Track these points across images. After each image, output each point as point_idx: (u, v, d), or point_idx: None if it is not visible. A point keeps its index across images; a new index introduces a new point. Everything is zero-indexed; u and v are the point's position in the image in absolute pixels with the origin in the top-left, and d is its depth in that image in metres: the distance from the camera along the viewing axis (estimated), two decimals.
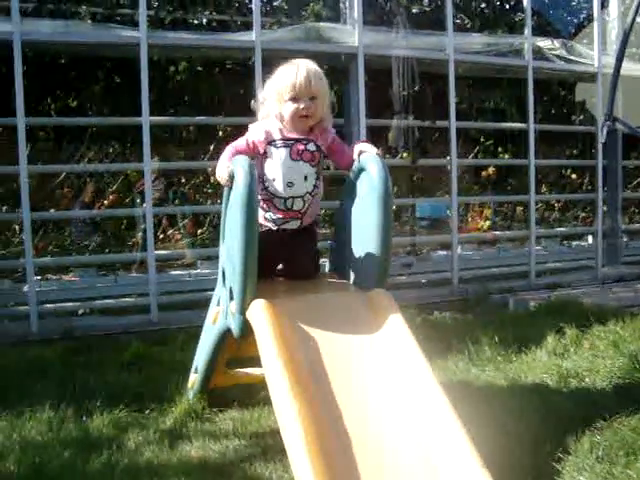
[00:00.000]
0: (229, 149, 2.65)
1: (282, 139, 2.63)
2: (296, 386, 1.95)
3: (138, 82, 4.51)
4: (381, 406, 2.03)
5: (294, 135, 2.64)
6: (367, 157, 2.51)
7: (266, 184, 2.64)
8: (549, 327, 4.08)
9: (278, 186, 2.61)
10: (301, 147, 2.63)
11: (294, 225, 2.69)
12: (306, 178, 2.63)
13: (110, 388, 3.22)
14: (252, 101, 2.86)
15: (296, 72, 2.61)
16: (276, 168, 2.62)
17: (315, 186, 2.66)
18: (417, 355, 2.10)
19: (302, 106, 2.59)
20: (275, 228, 2.69)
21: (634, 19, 5.41)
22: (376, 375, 2.10)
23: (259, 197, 2.58)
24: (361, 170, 2.51)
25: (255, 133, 2.67)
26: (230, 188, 2.48)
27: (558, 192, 7.80)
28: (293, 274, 2.72)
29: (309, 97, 2.60)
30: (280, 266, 2.77)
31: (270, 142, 2.63)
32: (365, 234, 2.41)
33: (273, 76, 2.70)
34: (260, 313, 2.19)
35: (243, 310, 2.29)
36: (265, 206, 2.66)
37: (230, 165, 2.45)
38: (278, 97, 2.63)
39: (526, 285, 5.80)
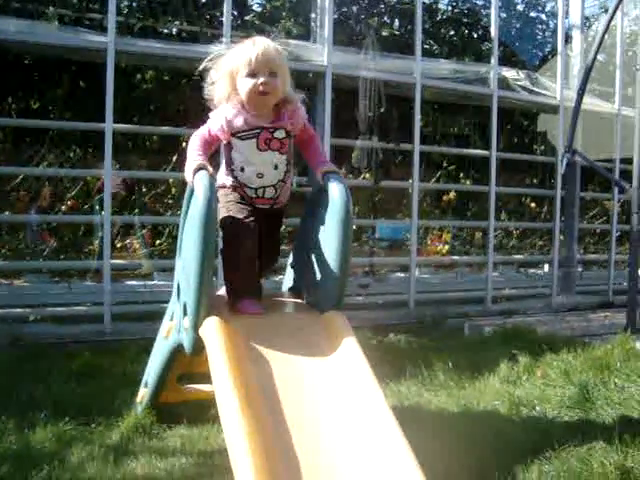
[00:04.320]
0: (194, 140, 2.45)
1: (247, 130, 2.43)
2: (246, 406, 1.92)
3: (103, 88, 4.45)
4: (331, 429, 2.00)
5: (260, 122, 2.43)
6: (330, 179, 2.44)
7: (235, 173, 2.50)
8: (502, 354, 4.12)
9: (248, 177, 2.48)
10: (268, 136, 2.44)
11: (266, 206, 2.54)
12: (276, 167, 2.48)
13: (57, 399, 3.13)
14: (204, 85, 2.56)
15: (252, 46, 2.40)
16: (244, 159, 2.46)
17: (286, 173, 2.52)
18: (369, 379, 2.08)
19: (261, 80, 2.36)
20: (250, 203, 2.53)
21: (595, 56, 5.55)
22: (327, 397, 2.08)
23: (230, 182, 2.51)
24: (323, 191, 2.47)
25: (215, 123, 2.45)
26: (189, 200, 2.42)
27: (517, 220, 7.93)
28: (262, 244, 2.53)
29: (268, 72, 2.38)
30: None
31: (234, 134, 2.44)
32: (323, 256, 2.39)
33: (227, 54, 2.48)
34: (213, 331, 2.16)
35: (196, 327, 2.25)
36: (236, 192, 2.52)
37: (190, 177, 2.33)
38: (232, 74, 2.41)
39: (482, 310, 5.87)
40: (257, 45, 2.40)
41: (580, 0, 6.93)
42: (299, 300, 2.61)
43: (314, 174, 2.59)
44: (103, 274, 4.57)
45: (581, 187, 6.83)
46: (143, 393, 2.96)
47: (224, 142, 2.49)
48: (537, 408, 3.25)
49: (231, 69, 2.43)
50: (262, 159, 2.46)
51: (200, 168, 2.32)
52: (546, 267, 7.18)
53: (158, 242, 6.23)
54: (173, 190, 6.33)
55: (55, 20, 5.17)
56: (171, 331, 2.59)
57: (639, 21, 5.31)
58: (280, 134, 2.48)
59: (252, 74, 2.38)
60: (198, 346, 2.28)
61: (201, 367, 2.45)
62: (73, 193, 6.17)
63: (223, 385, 1.98)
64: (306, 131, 2.59)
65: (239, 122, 2.44)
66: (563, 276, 6.66)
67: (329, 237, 2.38)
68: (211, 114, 2.51)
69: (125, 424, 2.89)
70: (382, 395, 2.05)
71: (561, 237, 6.66)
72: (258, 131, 2.45)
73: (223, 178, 2.57)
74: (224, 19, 4.83)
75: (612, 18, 5.63)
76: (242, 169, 2.48)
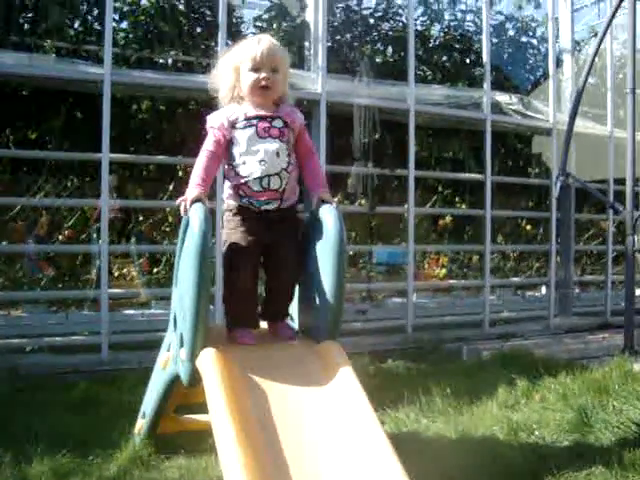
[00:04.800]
0: (200, 159, 2.51)
1: (245, 119, 2.51)
2: (243, 437, 1.92)
3: (100, 118, 4.49)
4: (329, 459, 2.01)
5: (259, 113, 2.52)
6: (325, 209, 2.47)
7: (237, 169, 2.51)
8: (501, 378, 4.12)
9: (250, 167, 2.48)
10: (266, 125, 2.51)
11: (274, 205, 2.52)
12: (278, 154, 2.50)
13: (54, 431, 3.12)
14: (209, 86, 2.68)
15: (257, 44, 2.52)
16: (245, 149, 2.50)
17: (289, 162, 2.53)
18: (366, 409, 2.09)
19: (263, 75, 2.49)
20: (256, 210, 2.52)
21: (586, 80, 5.62)
22: (324, 428, 2.08)
23: (233, 204, 2.52)
24: (318, 220, 2.49)
25: (217, 120, 2.53)
26: (184, 231, 2.44)
27: (513, 242, 7.95)
28: (277, 267, 2.56)
29: (271, 68, 2.51)
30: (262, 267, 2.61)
31: (233, 125, 2.50)
32: (319, 286, 2.40)
33: (231, 50, 2.60)
34: (210, 362, 2.17)
35: (193, 358, 2.26)
36: (241, 192, 2.52)
37: (185, 209, 2.38)
38: (236, 68, 2.53)
39: (479, 334, 5.87)
40: (262, 42, 2.54)
41: (570, 25, 7.03)
42: (294, 328, 2.62)
43: (310, 196, 2.63)
44: (100, 303, 4.57)
45: (576, 209, 6.86)
46: (141, 424, 2.96)
47: (227, 138, 2.51)
48: (536, 433, 3.24)
49: (236, 63, 2.55)
50: (263, 146, 2.50)
51: (196, 200, 2.37)
52: (543, 289, 7.19)
53: (155, 270, 6.24)
54: (170, 218, 6.36)
55: (52, 53, 5.25)
56: (168, 362, 2.60)
57: (628, 45, 5.39)
58: (278, 123, 2.54)
59: (255, 69, 2.51)
60: (195, 378, 2.29)
61: (199, 397, 2.44)
62: (70, 223, 6.20)
63: (220, 417, 1.99)
64: (305, 142, 2.64)
65: (239, 114, 2.53)
66: (560, 298, 6.67)
67: (324, 268, 2.39)
68: (210, 115, 2.59)
69: (123, 455, 2.88)
70: (379, 425, 2.05)
71: (557, 259, 6.68)
72: (256, 120, 2.52)
73: (227, 197, 2.60)
74: (219, 49, 4.89)
75: (602, 42, 5.72)
76: (244, 162, 2.50)
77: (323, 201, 2.52)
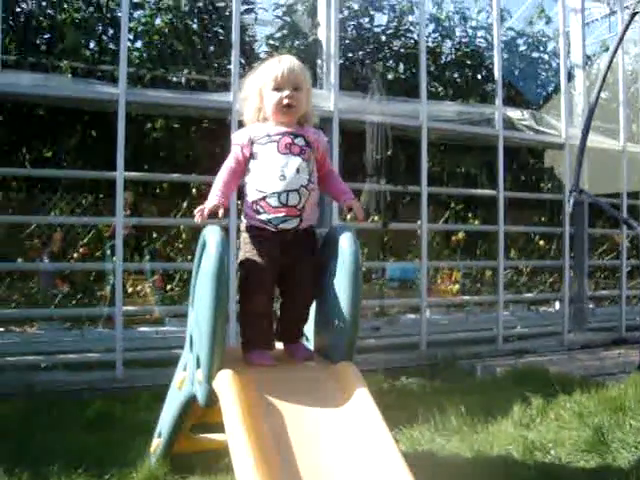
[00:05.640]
0: (220, 173, 2.56)
1: (267, 135, 2.54)
2: (260, 459, 1.93)
3: (115, 136, 4.54)
4: None
5: (282, 130, 2.55)
6: (340, 230, 2.50)
7: (256, 184, 2.52)
8: (515, 396, 4.09)
9: (270, 181, 2.49)
10: (288, 140, 2.53)
11: (293, 224, 2.51)
12: (298, 171, 2.50)
13: (70, 450, 3.13)
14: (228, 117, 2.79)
15: (279, 63, 2.57)
16: (265, 164, 2.51)
17: (309, 180, 2.53)
18: (382, 430, 2.09)
19: (285, 94, 2.53)
20: (273, 229, 2.51)
21: (598, 95, 5.62)
22: (340, 449, 2.09)
23: (251, 222, 2.54)
24: (334, 241, 2.49)
25: (239, 138, 2.59)
26: (201, 253, 2.46)
27: (527, 257, 7.92)
28: (293, 289, 2.57)
29: (293, 87, 2.54)
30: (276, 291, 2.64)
31: (254, 141, 2.54)
32: (334, 307, 2.42)
33: (254, 71, 2.65)
34: (226, 384, 2.18)
35: (210, 379, 2.27)
36: (259, 208, 2.51)
37: (205, 216, 2.44)
38: (260, 89, 2.58)
39: (493, 350, 5.84)
40: (283, 62, 2.59)
41: (581, 39, 7.04)
42: (310, 349, 2.63)
43: (337, 200, 2.72)
44: (115, 321, 4.60)
45: (590, 223, 6.84)
46: (157, 443, 2.96)
47: (247, 155, 2.55)
48: (552, 452, 3.22)
49: (259, 84, 2.59)
50: (283, 162, 2.51)
51: (214, 210, 2.45)
52: (557, 304, 7.16)
53: (169, 287, 6.27)
54: (184, 235, 6.39)
55: (69, 73, 5.32)
56: (184, 382, 2.61)
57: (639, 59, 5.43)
58: (300, 141, 2.56)
59: (278, 88, 2.55)
60: (212, 399, 2.30)
61: (214, 417, 2.45)
62: (85, 240, 6.25)
63: (237, 439, 2.00)
64: (327, 164, 2.69)
65: (261, 132, 2.57)
66: (574, 313, 6.63)
67: (340, 289, 2.40)
68: (235, 133, 2.66)
69: (139, 475, 2.88)
70: (395, 446, 2.05)
71: (571, 274, 6.65)
72: (279, 137, 2.55)
73: (245, 216, 2.62)
74: (232, 67, 4.94)
75: (614, 56, 5.72)
76: (264, 177, 2.52)
77: (337, 226, 2.58)
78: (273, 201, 2.50)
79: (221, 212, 2.48)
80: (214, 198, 2.50)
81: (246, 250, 2.56)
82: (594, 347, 6.28)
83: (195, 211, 2.50)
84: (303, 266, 2.56)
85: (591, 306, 7.33)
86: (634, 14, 5.29)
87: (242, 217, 2.66)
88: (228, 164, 2.58)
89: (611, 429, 3.38)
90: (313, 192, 2.56)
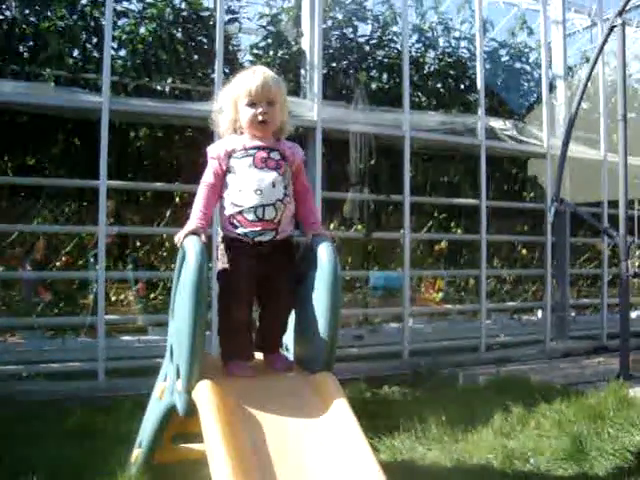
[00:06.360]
0: (200, 191, 2.54)
1: (243, 149, 2.54)
2: (238, 469, 1.94)
3: (98, 145, 4.54)
4: None
5: (255, 143, 2.56)
6: (319, 241, 2.50)
7: (233, 198, 2.52)
8: (497, 404, 4.12)
9: (246, 196, 2.49)
10: (264, 154, 2.54)
11: (269, 236, 2.52)
12: (274, 185, 2.51)
13: (51, 460, 3.11)
14: (209, 119, 2.74)
15: (252, 77, 2.55)
16: (241, 178, 2.52)
17: (285, 194, 2.54)
18: (360, 441, 2.10)
19: (259, 110, 2.52)
20: (250, 242, 2.52)
21: (579, 105, 5.69)
22: (319, 459, 2.10)
23: (228, 213, 2.53)
24: (313, 252, 2.51)
25: (215, 151, 2.57)
26: (181, 264, 2.47)
27: (509, 266, 7.98)
28: (270, 299, 2.58)
29: (267, 102, 2.54)
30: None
31: (230, 155, 2.54)
32: (313, 318, 2.43)
33: (230, 83, 2.64)
34: (205, 394, 2.19)
35: (189, 389, 2.28)
36: (235, 222, 2.52)
37: (182, 240, 2.42)
38: (235, 102, 2.57)
39: (476, 359, 5.88)
40: (256, 75, 2.57)
41: (562, 51, 7.14)
42: (289, 359, 2.64)
43: (305, 232, 2.66)
44: (97, 330, 4.58)
45: (571, 232, 6.90)
46: (137, 453, 2.96)
47: (223, 168, 2.54)
48: (531, 461, 3.25)
49: (234, 97, 2.58)
50: (259, 176, 2.52)
51: (193, 233, 2.41)
52: (539, 313, 7.21)
53: (152, 295, 6.25)
54: (167, 244, 6.38)
55: (52, 81, 5.30)
56: (164, 392, 2.61)
57: (617, 71, 5.47)
58: (275, 155, 2.58)
59: (252, 104, 2.54)
60: (191, 408, 2.31)
61: (195, 427, 2.44)
62: (68, 249, 6.22)
63: (215, 449, 2.01)
64: (302, 180, 2.68)
65: (237, 144, 2.56)
66: (556, 321, 6.69)
67: (318, 300, 2.42)
68: (210, 146, 2.63)
69: None
70: (373, 456, 2.07)
71: (553, 282, 6.71)
72: (254, 151, 2.55)
73: (221, 229, 2.61)
74: (216, 77, 4.97)
75: (594, 67, 5.80)
76: (240, 190, 2.52)
77: (316, 236, 2.56)
78: (249, 215, 2.51)
79: (203, 237, 2.44)
80: (194, 221, 2.48)
81: (223, 262, 2.57)
82: (576, 355, 6.35)
83: (175, 238, 2.47)
84: (281, 277, 2.58)
85: (573, 314, 7.40)
86: (612, 27, 5.36)
87: (218, 229, 2.66)
88: (207, 180, 2.57)
89: (590, 437, 3.42)
90: (289, 205, 2.57)
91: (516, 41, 7.80)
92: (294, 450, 2.12)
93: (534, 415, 3.97)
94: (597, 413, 3.85)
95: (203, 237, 2.44)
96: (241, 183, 2.52)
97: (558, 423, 3.75)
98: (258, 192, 2.50)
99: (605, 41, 5.71)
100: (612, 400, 4.12)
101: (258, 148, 2.56)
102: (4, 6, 5.54)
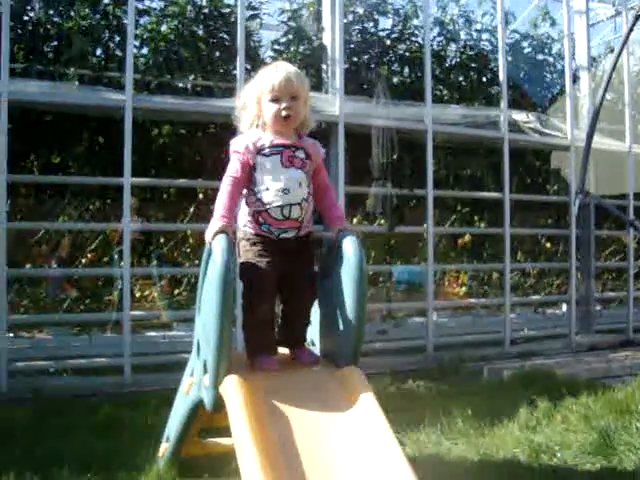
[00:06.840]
0: (223, 187, 2.52)
1: (270, 146, 2.54)
2: (266, 463, 1.95)
3: (122, 143, 4.57)
4: None
5: (282, 141, 2.56)
6: (344, 236, 2.51)
7: (259, 195, 2.53)
8: (522, 398, 4.10)
9: (273, 194, 2.51)
10: (290, 153, 2.55)
11: (293, 233, 2.55)
12: (300, 184, 2.54)
13: (79, 455, 3.15)
14: (231, 116, 2.72)
15: (275, 72, 2.55)
16: (269, 177, 2.53)
17: (309, 192, 2.57)
18: (387, 435, 2.10)
19: (283, 105, 2.53)
20: (274, 238, 2.55)
21: (604, 96, 5.63)
22: (346, 454, 2.10)
23: (250, 232, 2.54)
24: (339, 247, 2.51)
25: (239, 145, 2.56)
26: (207, 260, 2.48)
27: (533, 260, 7.91)
28: (293, 294, 2.60)
29: (290, 97, 2.54)
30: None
31: (259, 151, 2.54)
32: (340, 312, 2.44)
33: (253, 79, 2.65)
34: (233, 389, 2.20)
35: (216, 385, 2.30)
36: (260, 219, 2.54)
37: (211, 240, 2.41)
38: (258, 98, 2.57)
39: (500, 353, 5.84)
40: (279, 71, 2.57)
41: (586, 41, 7.04)
42: (316, 354, 2.65)
43: (330, 228, 2.66)
44: (123, 326, 4.63)
45: (596, 224, 6.82)
46: (165, 447, 2.99)
47: (250, 163, 2.53)
48: (558, 455, 3.23)
49: (257, 93, 2.59)
50: (287, 175, 2.53)
51: (220, 232, 2.40)
52: (564, 307, 7.15)
53: (177, 292, 6.29)
54: (191, 240, 6.42)
55: (76, 80, 5.36)
56: (191, 387, 2.63)
57: None
58: (300, 154, 2.59)
59: (275, 99, 2.54)
60: (219, 403, 2.32)
61: (222, 421, 2.47)
62: (93, 246, 6.29)
63: (243, 443, 2.02)
64: (323, 176, 2.69)
65: (265, 141, 2.56)
66: (581, 315, 6.62)
67: (345, 295, 2.42)
68: (233, 141, 2.62)
69: (147, 479, 2.91)
70: (401, 450, 2.07)
71: (578, 276, 6.64)
72: (281, 148, 2.56)
73: (244, 225, 2.61)
74: (237, 73, 4.98)
75: (619, 57, 5.73)
76: (267, 188, 2.53)
77: (341, 231, 2.56)
78: (276, 214, 2.53)
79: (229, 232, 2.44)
80: (219, 220, 2.44)
81: (247, 256, 2.58)
82: (601, 349, 6.28)
83: (205, 237, 2.45)
84: (302, 271, 2.60)
85: (598, 308, 7.32)
86: (637, 16, 5.29)
87: (239, 225, 2.65)
88: (231, 174, 2.55)
89: (617, 432, 3.38)
90: (311, 203, 2.60)
91: (538, 32, 7.72)
92: (322, 445, 2.13)
93: (560, 409, 3.94)
94: (624, 407, 3.81)
95: (231, 233, 2.45)
96: (268, 181, 2.53)
97: (585, 417, 3.72)
98: (285, 191, 2.52)
99: (631, 30, 5.64)
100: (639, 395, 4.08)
101: (284, 147, 2.57)
102: (29, 7, 5.61)
